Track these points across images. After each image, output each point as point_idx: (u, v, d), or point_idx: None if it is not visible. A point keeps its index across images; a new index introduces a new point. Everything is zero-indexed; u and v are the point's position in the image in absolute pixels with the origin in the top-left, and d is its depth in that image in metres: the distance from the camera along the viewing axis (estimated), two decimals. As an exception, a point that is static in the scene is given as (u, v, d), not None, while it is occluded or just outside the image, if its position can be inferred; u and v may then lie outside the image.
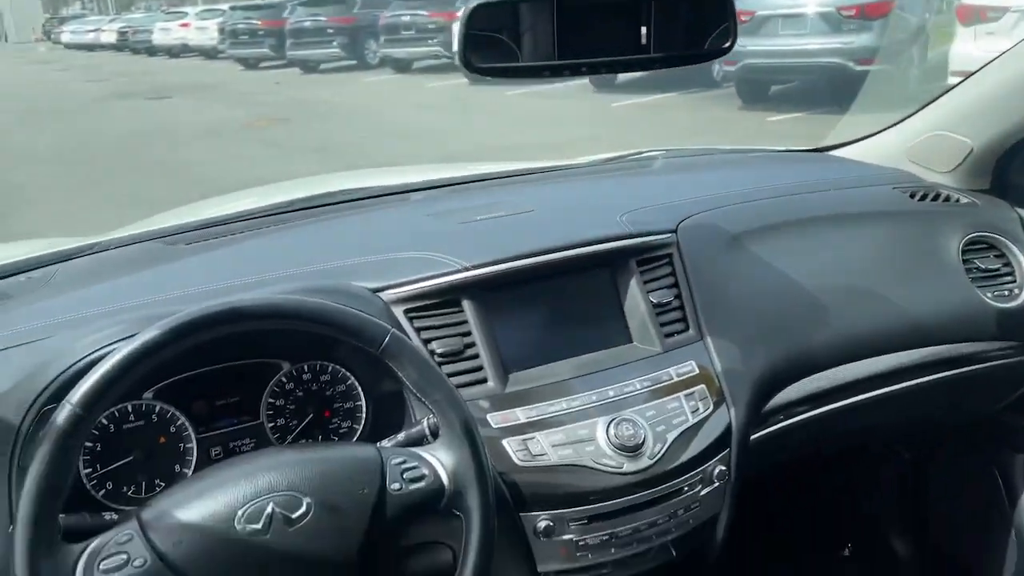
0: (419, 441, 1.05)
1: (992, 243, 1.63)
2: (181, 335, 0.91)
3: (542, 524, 1.19)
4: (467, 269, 1.27)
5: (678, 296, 1.39)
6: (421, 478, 0.98)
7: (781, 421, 1.44)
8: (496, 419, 1.20)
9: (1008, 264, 1.62)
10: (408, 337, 1.22)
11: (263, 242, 1.55)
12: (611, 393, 1.26)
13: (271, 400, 1.25)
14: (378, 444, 1.03)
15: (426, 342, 1.24)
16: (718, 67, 10.36)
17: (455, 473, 0.98)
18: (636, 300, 1.35)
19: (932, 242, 1.60)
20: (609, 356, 1.32)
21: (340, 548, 0.92)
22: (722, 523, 1.36)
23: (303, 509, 0.91)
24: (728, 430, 1.31)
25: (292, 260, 1.39)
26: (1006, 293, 1.59)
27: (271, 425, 1.25)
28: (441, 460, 1.00)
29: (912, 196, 1.68)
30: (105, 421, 1.16)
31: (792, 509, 2.15)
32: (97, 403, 0.88)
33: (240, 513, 0.89)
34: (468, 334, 1.25)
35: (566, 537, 1.21)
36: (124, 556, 0.86)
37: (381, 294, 1.25)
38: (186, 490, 0.93)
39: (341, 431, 1.27)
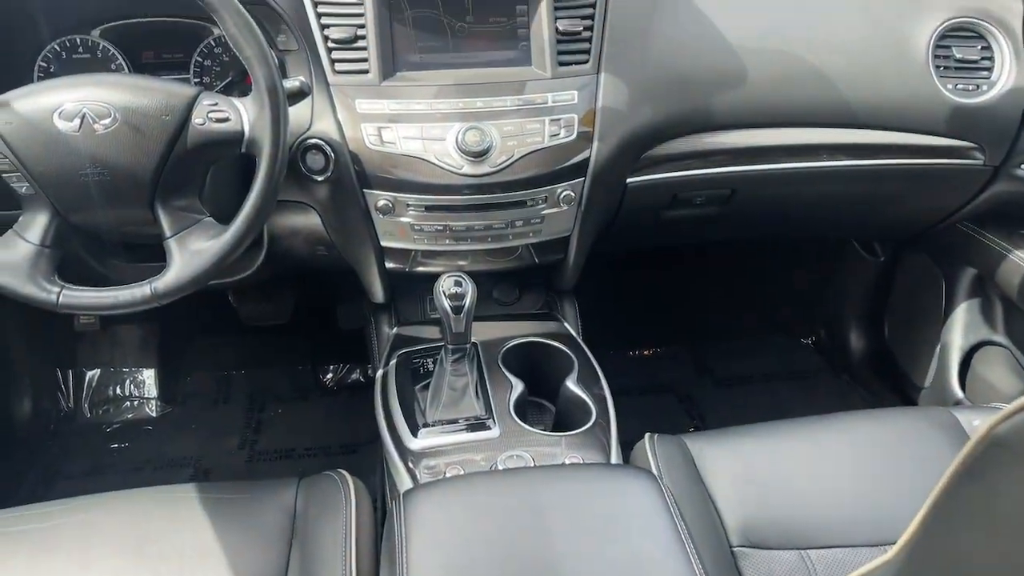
0: None
1: (980, 32, 1.48)
2: None
3: (381, 202, 1.35)
4: None
5: (590, 28, 1.41)
6: (225, 120, 1.15)
7: (670, 171, 1.47)
8: (363, 105, 1.33)
9: (990, 56, 1.47)
10: (307, 17, 1.36)
11: None
12: (479, 104, 1.35)
13: (199, 59, 1.45)
14: (204, 90, 1.20)
15: (324, 27, 1.36)
16: None
17: (254, 123, 1.15)
18: (541, 24, 1.39)
19: (902, 22, 1.47)
20: (501, 73, 1.39)
21: (137, 162, 1.12)
22: (573, 245, 1.46)
23: (109, 119, 1.11)
24: (585, 162, 1.37)
25: None
26: (972, 88, 1.47)
27: (196, 81, 1.46)
28: (248, 109, 1.16)
29: None
30: (57, 48, 1.41)
31: (762, 287, 2.18)
32: None
33: (58, 110, 1.11)
34: (363, 26, 1.36)
35: (403, 219, 1.37)
36: None
37: None
38: (30, 87, 1.15)
39: None
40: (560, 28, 1.39)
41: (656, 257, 2.09)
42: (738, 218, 1.65)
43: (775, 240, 2.05)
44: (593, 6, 1.41)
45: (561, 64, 1.39)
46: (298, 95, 1.24)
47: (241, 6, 1.14)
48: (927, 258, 1.83)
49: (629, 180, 1.46)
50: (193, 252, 1.15)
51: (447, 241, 1.39)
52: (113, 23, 1.42)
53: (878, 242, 1.97)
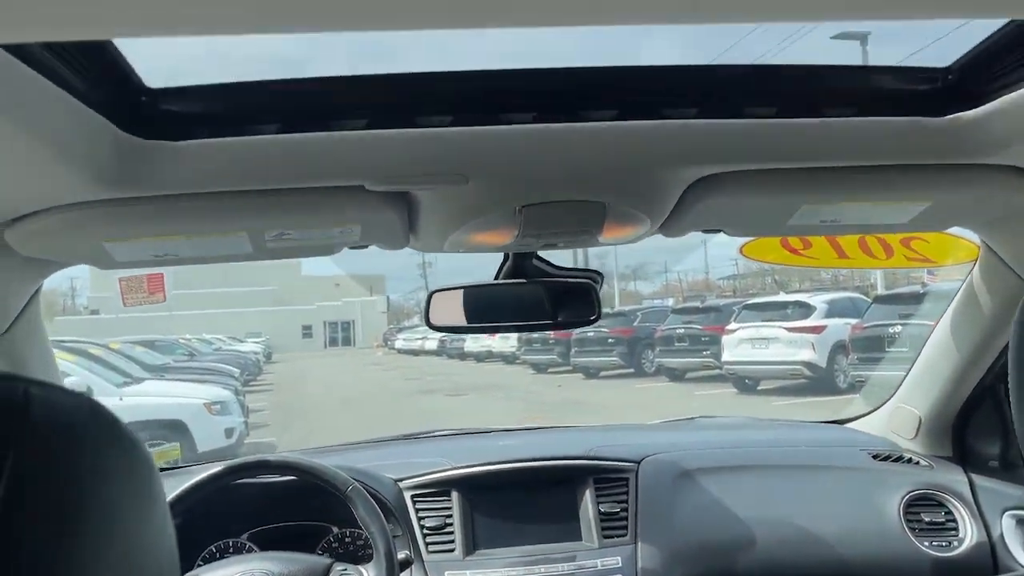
0: None
1: (939, 500, 1.85)
2: (231, 471, 1.57)
3: None
4: (453, 468, 1.83)
5: (625, 509, 1.81)
6: None
7: None
8: (451, 575, 1.69)
9: (953, 519, 1.82)
10: (408, 510, 1.79)
11: (385, 450, 2.24)
12: (541, 569, 1.70)
13: (319, 552, 1.85)
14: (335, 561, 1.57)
15: (420, 517, 1.78)
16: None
17: None
18: (587, 508, 1.80)
19: (875, 494, 1.86)
20: (557, 548, 1.76)
21: None
22: None
23: None
24: None
25: (381, 457, 2.04)
26: (945, 544, 1.78)
27: None
28: (369, 572, 1.52)
29: (876, 457, 1.97)
30: (214, 549, 1.82)
31: None
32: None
33: None
34: (450, 516, 1.78)
35: None
36: None
37: (400, 482, 1.84)
38: (214, 564, 1.54)
39: None
40: (602, 510, 1.80)
41: None
42: None
43: None
44: (626, 493, 1.83)
45: (605, 538, 1.77)
46: (405, 563, 1.61)
47: (370, 497, 1.59)
48: None
49: None
50: None
51: None
52: (260, 528, 1.85)
53: None
